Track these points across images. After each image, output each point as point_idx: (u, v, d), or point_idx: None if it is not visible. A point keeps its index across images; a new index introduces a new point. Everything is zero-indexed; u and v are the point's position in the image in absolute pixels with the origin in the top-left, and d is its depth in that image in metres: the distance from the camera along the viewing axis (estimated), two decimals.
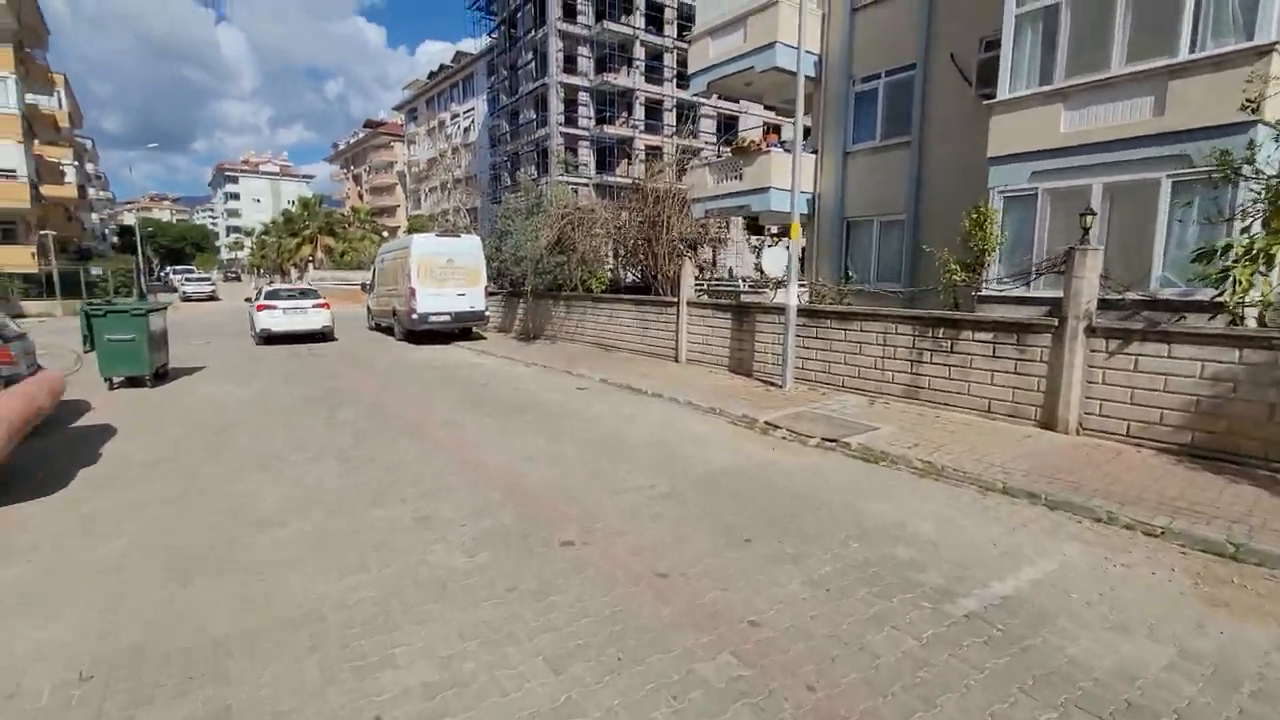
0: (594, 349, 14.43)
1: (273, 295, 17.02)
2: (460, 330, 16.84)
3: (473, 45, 52.18)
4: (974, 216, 9.08)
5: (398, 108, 68.20)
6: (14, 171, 28.48)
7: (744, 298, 14.21)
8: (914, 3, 12.66)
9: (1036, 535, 4.61)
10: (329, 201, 73.40)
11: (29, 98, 36.83)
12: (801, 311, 9.63)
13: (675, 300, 12.22)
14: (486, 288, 16.88)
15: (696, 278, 12.49)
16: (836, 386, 9.41)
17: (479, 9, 48.37)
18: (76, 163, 52.56)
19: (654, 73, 43.99)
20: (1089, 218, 6.98)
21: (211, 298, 39.83)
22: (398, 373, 11.78)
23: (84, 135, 62.73)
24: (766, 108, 24.11)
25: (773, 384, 9.90)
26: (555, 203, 14.64)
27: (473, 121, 54.40)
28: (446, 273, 15.94)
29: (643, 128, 43.64)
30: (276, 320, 16.18)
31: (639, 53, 42.65)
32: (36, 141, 39.51)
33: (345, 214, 61.34)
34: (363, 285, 25.12)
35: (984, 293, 9.30)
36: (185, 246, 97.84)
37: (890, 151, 13.40)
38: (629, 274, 16.87)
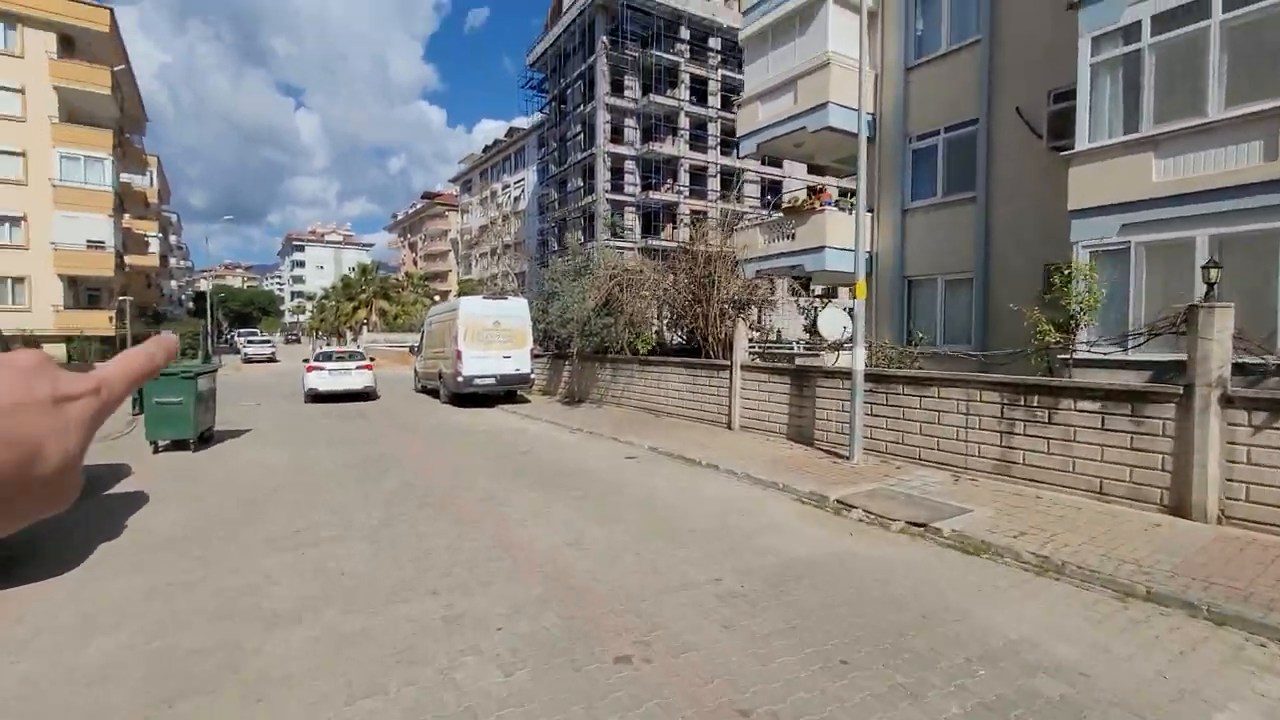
0: (642, 414, 13.82)
1: (323, 357, 17.98)
2: (505, 393, 16.57)
3: (525, 123, 54.97)
4: (1063, 273, 8.27)
5: (453, 180, 71.92)
6: (103, 243, 30.65)
7: (798, 361, 13.50)
8: (973, 59, 12.34)
9: (1214, 664, 3.62)
10: (385, 268, 77.00)
11: (124, 176, 40.27)
12: (870, 376, 8.86)
13: (728, 363, 11.61)
14: (532, 350, 16.68)
15: (751, 340, 11.89)
16: (911, 459, 8.49)
17: (532, 88, 51.25)
18: (161, 235, 56.81)
19: (698, 141, 45.16)
20: (1214, 271, 6.12)
21: (271, 359, 41.39)
22: (440, 437, 11.40)
23: (170, 210, 68.16)
24: (813, 169, 23.98)
25: (838, 455, 9.03)
26: (603, 264, 14.47)
27: (523, 190, 56.72)
28: (493, 335, 15.82)
29: (687, 193, 44.45)
30: (323, 380, 16.83)
31: (684, 122, 43.97)
32: (127, 216, 42.89)
33: (399, 279, 63.90)
34: (411, 348, 25.52)
35: (1079, 356, 8.36)
36: (253, 311, 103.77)
37: (953, 208, 12.79)
38: (675, 335, 16.44)
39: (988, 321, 12.18)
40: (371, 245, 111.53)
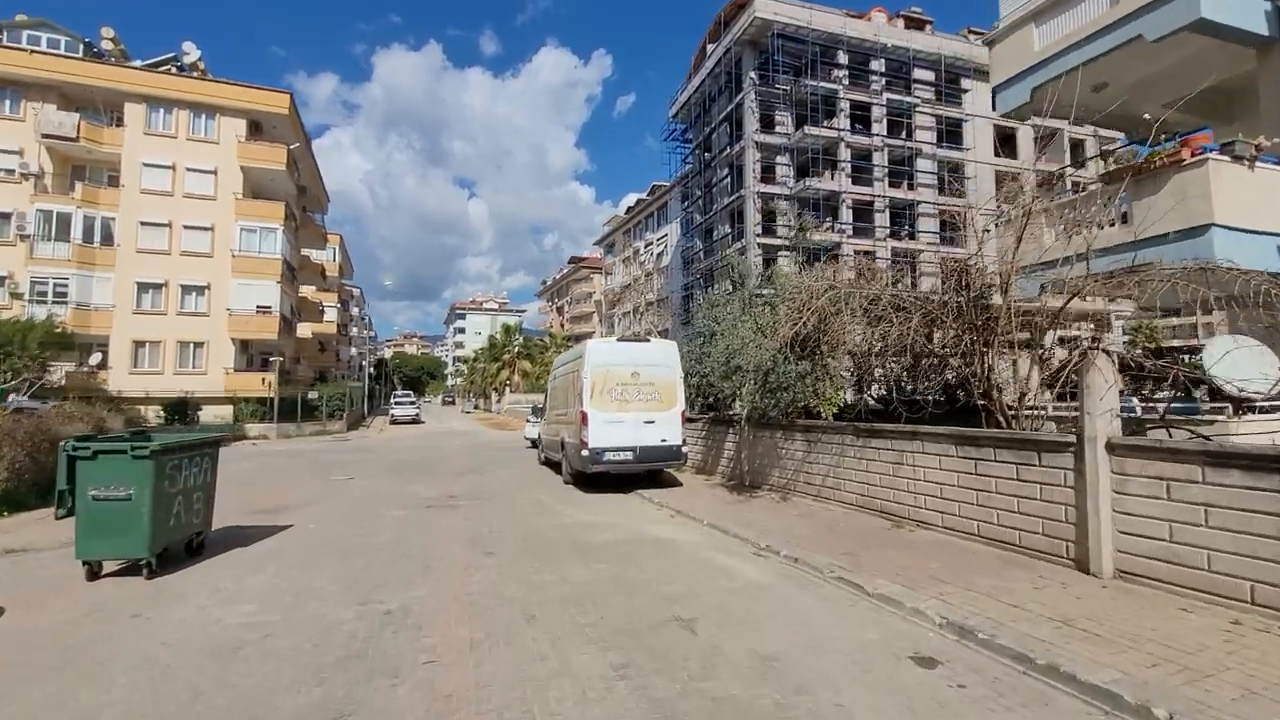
0: (866, 518, 8.36)
1: (531, 413, 23.64)
2: (646, 471, 11.92)
3: (668, 182, 53.06)
4: None
5: (597, 242, 72.09)
6: (270, 307, 31.73)
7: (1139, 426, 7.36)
8: None
9: None
10: (535, 332, 78.49)
11: (305, 251, 43.29)
12: None
13: (1068, 440, 5.95)
14: (683, 412, 11.98)
15: (1136, 396, 6.14)
16: None
17: (675, 139, 49.20)
18: (340, 305, 61.64)
19: (861, 173, 39.57)
20: None
21: (415, 421, 40.95)
22: (529, 563, 6.81)
23: (351, 284, 75.09)
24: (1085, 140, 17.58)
25: None
26: (800, 288, 9.32)
27: (665, 246, 54.35)
28: (630, 391, 11.41)
29: (850, 231, 38.70)
30: (531, 429, 21.11)
31: (844, 154, 38.82)
32: (312, 288, 46.09)
33: (543, 340, 63.84)
34: (533, 409, 22.95)
35: None
36: (422, 375, 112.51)
37: None
38: (868, 392, 10.92)
39: None
40: (524, 311, 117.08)
